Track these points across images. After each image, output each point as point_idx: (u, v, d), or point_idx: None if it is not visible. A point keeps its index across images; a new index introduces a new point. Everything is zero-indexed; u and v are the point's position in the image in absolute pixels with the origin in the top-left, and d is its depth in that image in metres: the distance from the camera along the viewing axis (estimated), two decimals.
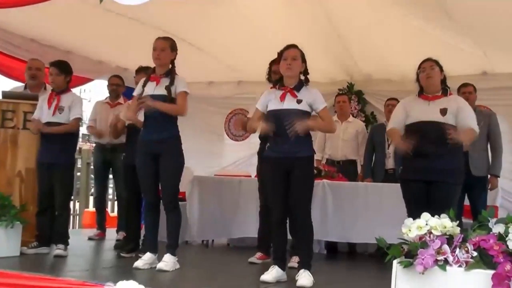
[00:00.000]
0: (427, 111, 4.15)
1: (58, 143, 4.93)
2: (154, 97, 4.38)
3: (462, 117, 4.15)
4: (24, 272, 3.67)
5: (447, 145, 4.05)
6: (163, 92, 4.38)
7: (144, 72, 4.88)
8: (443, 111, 4.11)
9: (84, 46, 6.91)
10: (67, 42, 6.78)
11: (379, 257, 4.74)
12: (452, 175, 4.10)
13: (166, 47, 4.45)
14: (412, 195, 4.20)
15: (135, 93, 4.57)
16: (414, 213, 3.13)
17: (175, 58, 4.51)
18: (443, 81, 4.30)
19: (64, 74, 5.05)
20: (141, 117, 4.60)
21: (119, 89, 6.36)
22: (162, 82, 4.42)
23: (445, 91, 4.27)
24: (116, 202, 7.06)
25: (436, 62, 4.26)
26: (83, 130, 8.00)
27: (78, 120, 5.10)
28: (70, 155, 5.09)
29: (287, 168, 3.92)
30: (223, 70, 7.59)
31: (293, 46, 4.08)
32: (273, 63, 4.80)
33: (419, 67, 4.30)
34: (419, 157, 4.09)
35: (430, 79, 4.23)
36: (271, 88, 4.25)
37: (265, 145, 4.25)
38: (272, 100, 4.06)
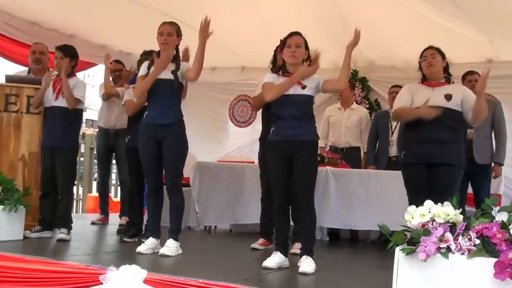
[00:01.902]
0: (432, 97, 4.12)
1: (62, 127, 4.94)
2: (161, 81, 4.36)
3: (469, 104, 4.11)
4: (27, 255, 3.66)
5: (450, 130, 4.04)
6: (170, 76, 4.38)
7: (149, 56, 4.86)
8: (448, 97, 4.09)
9: (87, 30, 6.89)
10: (70, 26, 6.75)
11: (381, 244, 4.77)
12: (455, 158, 4.09)
13: (173, 32, 4.43)
14: (414, 180, 4.18)
15: (140, 75, 4.53)
16: (415, 200, 3.13)
17: (179, 44, 4.51)
18: (446, 69, 4.27)
19: (69, 58, 5.03)
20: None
21: (121, 73, 6.33)
22: (168, 67, 4.41)
23: (448, 79, 4.25)
24: (119, 187, 7.07)
25: (438, 50, 4.23)
26: (86, 115, 7.99)
27: (78, 101, 5.01)
28: (73, 140, 5.09)
29: (290, 153, 3.89)
30: (226, 56, 7.57)
31: (297, 33, 4.02)
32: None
33: (421, 56, 4.28)
34: (422, 142, 4.08)
35: (432, 67, 4.20)
36: (275, 73, 4.15)
37: (266, 130, 4.23)
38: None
